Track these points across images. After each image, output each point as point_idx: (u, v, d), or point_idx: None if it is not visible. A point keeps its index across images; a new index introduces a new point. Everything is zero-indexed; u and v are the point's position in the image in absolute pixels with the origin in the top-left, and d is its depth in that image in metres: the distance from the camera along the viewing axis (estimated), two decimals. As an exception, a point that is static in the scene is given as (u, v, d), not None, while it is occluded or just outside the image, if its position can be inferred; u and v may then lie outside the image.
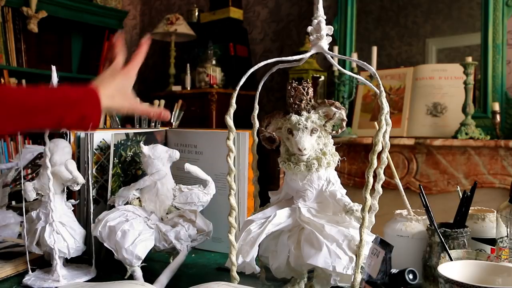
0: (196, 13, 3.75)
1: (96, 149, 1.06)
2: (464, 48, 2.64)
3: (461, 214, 0.88)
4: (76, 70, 3.72)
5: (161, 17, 3.80)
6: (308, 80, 0.86)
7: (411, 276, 0.61)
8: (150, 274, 0.91)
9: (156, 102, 1.63)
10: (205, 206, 1.03)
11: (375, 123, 0.79)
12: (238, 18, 3.55)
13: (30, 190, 0.92)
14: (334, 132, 0.83)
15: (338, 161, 0.83)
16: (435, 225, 0.83)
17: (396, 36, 2.87)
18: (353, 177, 2.57)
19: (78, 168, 0.97)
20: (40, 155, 1.23)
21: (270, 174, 1.20)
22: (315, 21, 0.78)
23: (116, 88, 0.83)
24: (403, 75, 2.64)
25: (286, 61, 0.80)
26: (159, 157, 0.98)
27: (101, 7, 3.63)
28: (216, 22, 3.54)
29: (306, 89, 0.81)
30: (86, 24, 3.59)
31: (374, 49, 2.65)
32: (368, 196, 0.74)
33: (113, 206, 0.99)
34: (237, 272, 0.81)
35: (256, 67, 0.77)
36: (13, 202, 1.29)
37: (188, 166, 0.98)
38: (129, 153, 1.09)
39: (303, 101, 0.81)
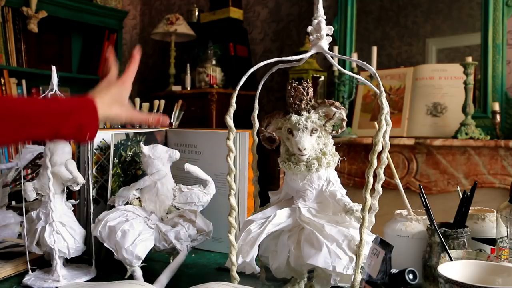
0: (196, 13, 3.75)
1: (96, 149, 1.06)
2: (464, 48, 2.64)
3: (461, 214, 0.88)
4: (76, 70, 3.72)
5: (161, 17, 3.80)
6: (308, 80, 0.86)
7: (411, 276, 0.61)
8: (150, 274, 0.91)
9: (156, 102, 1.63)
10: (205, 206, 1.03)
11: (375, 123, 0.79)
12: (238, 18, 3.55)
13: (30, 190, 0.92)
14: (334, 132, 0.83)
15: (338, 161, 0.83)
16: (435, 225, 0.83)
17: (396, 36, 2.87)
18: (353, 177, 2.57)
19: (78, 168, 0.97)
20: (40, 155, 1.23)
21: (270, 174, 1.20)
22: (315, 21, 0.78)
23: (113, 98, 0.84)
24: (403, 75, 2.64)
25: (286, 61, 0.80)
26: (159, 157, 0.99)
27: (101, 7, 3.63)
28: (216, 22, 3.54)
29: (306, 89, 0.81)
30: (86, 24, 3.59)
31: (374, 49, 2.65)
32: (368, 196, 0.74)
33: (113, 206, 0.99)
34: (237, 272, 0.81)
35: (256, 67, 0.77)
36: (13, 202, 1.29)
37: (188, 166, 0.98)
38: (129, 153, 1.09)
39: (303, 101, 0.81)
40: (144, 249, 0.90)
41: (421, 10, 2.78)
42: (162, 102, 1.65)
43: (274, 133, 0.83)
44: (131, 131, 1.10)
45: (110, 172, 1.05)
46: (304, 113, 0.80)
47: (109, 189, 1.05)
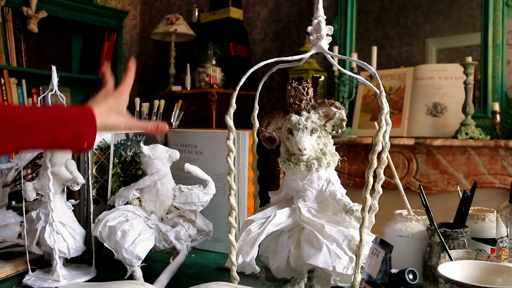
0: (196, 13, 3.75)
1: (96, 149, 1.06)
2: (464, 48, 2.64)
3: (461, 214, 0.88)
4: (76, 70, 3.72)
5: (161, 17, 3.80)
6: (308, 80, 0.86)
7: (411, 276, 0.61)
8: (150, 274, 0.91)
9: (156, 102, 1.63)
10: (205, 206, 1.03)
11: (375, 123, 0.79)
12: (238, 18, 3.55)
13: (30, 190, 0.92)
14: (334, 132, 0.83)
15: (338, 161, 0.83)
16: (435, 225, 0.83)
17: (396, 36, 2.87)
18: (353, 177, 2.57)
19: (78, 168, 0.97)
20: (40, 155, 1.23)
21: (270, 174, 1.20)
22: (315, 21, 0.78)
23: (111, 107, 0.84)
24: (403, 75, 2.64)
25: (286, 61, 0.80)
26: (159, 157, 0.99)
27: (101, 7, 3.63)
28: (216, 22, 3.54)
29: (306, 89, 0.81)
30: (86, 24, 3.59)
31: (374, 49, 2.65)
32: (368, 196, 0.74)
33: (113, 206, 0.99)
34: (237, 272, 0.81)
35: (256, 67, 0.77)
36: (13, 202, 1.29)
37: (188, 166, 0.98)
38: (129, 153, 1.09)
39: (303, 101, 0.81)
40: (144, 249, 0.90)
41: (421, 10, 2.78)
42: (162, 102, 1.65)
43: (274, 133, 0.83)
44: (131, 131, 1.10)
45: (110, 172, 1.05)
46: (304, 113, 0.80)
47: (109, 189, 1.05)
